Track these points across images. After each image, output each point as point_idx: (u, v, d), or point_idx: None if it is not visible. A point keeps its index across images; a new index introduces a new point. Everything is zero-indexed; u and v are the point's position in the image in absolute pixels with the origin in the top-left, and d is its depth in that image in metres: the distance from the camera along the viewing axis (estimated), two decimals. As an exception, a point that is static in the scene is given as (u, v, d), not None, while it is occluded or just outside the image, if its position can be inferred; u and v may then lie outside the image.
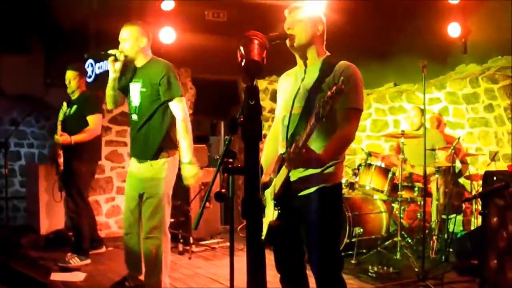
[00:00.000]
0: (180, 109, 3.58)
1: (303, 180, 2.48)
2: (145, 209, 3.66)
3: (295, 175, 2.46)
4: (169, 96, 3.56)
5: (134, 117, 3.67)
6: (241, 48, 1.78)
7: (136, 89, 3.64)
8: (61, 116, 4.88)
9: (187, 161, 3.53)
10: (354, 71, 2.50)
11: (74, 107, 4.94)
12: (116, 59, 3.58)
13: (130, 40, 3.60)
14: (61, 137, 4.73)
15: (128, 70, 3.76)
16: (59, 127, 4.83)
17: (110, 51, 3.59)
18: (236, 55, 1.81)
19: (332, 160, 2.47)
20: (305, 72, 2.59)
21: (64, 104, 4.95)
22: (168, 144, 3.64)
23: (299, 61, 2.64)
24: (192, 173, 3.53)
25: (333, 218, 2.58)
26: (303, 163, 2.31)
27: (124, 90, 3.76)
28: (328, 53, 2.64)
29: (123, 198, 3.89)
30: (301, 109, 2.51)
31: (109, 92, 3.70)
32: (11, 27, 9.48)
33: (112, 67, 3.61)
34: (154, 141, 3.61)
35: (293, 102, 2.56)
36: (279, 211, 2.48)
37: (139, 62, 3.67)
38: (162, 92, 3.57)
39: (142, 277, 3.81)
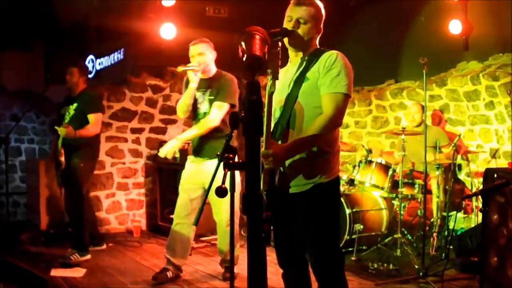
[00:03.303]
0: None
1: (295, 173, 2.44)
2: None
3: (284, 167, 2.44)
4: None
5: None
6: (242, 43, 1.77)
7: (205, 97, 4.09)
8: (67, 119, 4.87)
9: None
10: (340, 57, 2.45)
11: (75, 104, 4.94)
12: (196, 71, 3.96)
13: (205, 54, 4.04)
14: (65, 128, 4.69)
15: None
16: (65, 122, 4.81)
17: (191, 65, 3.98)
18: (237, 51, 1.80)
19: (314, 143, 2.41)
20: (297, 66, 2.55)
21: (71, 107, 4.94)
22: None
23: (292, 56, 2.60)
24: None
25: (332, 215, 2.55)
26: (282, 160, 2.34)
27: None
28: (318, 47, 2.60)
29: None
30: (283, 102, 2.50)
31: (187, 101, 4.05)
32: (12, 24, 9.49)
33: (194, 78, 3.97)
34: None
35: (281, 96, 2.54)
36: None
37: (207, 74, 4.10)
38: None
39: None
